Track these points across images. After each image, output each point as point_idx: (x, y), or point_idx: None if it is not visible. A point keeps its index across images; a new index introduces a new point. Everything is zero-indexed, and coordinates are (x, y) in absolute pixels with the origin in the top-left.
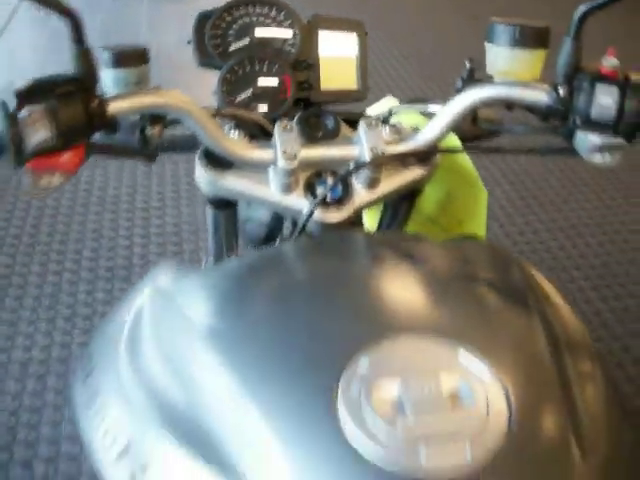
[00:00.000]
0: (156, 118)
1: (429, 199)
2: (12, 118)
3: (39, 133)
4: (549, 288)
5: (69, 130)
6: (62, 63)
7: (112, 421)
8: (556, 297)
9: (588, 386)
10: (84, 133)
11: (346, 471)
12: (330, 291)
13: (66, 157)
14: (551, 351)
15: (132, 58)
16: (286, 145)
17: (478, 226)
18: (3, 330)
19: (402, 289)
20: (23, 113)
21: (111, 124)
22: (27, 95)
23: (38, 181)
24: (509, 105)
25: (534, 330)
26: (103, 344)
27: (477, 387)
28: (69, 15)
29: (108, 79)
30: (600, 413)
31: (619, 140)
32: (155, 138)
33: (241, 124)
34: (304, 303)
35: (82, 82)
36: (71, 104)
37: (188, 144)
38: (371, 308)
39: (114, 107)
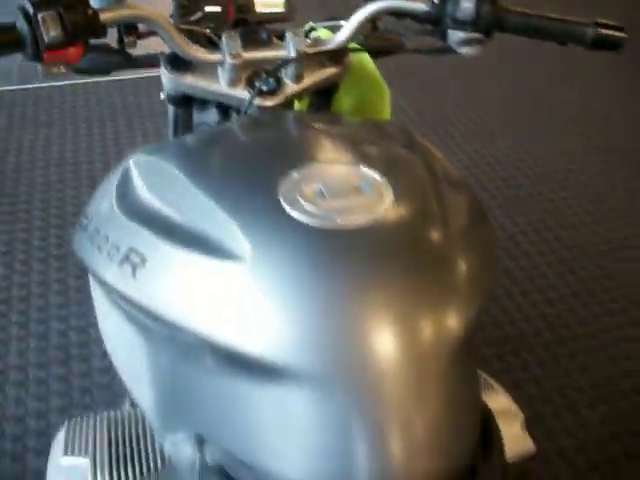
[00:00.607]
0: (132, 29)
1: (344, 105)
2: (31, 21)
3: (51, 33)
4: (437, 153)
5: (72, 32)
6: None
7: (113, 239)
8: (442, 160)
9: (459, 203)
10: (83, 35)
11: (287, 230)
12: (269, 140)
13: (70, 52)
14: (430, 178)
15: None
16: (231, 48)
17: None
18: None
19: (322, 137)
20: (39, 17)
21: (101, 29)
22: (41, 3)
23: (50, 70)
24: (398, 15)
25: (418, 163)
26: (97, 204)
27: (373, 184)
28: None
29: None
30: (464, 218)
31: (479, 35)
32: (131, 44)
33: (194, 37)
34: (252, 145)
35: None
36: (73, 12)
37: (152, 60)
38: (301, 147)
39: (104, 16)
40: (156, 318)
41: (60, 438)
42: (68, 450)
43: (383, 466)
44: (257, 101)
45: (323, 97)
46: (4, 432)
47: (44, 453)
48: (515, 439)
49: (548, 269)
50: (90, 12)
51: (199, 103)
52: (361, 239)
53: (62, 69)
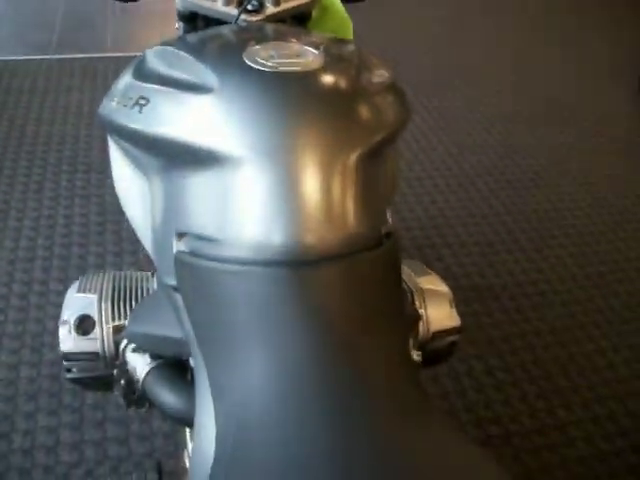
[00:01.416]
0: None
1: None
2: None
3: None
4: (377, 63)
5: None
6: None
7: (127, 94)
8: (379, 69)
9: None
10: None
11: (244, 71)
12: (244, 30)
13: None
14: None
15: None
16: None
17: None
18: None
19: (284, 30)
20: None
21: None
22: None
23: None
24: None
25: (353, 53)
26: (119, 80)
27: (311, 54)
28: None
29: None
30: (377, 82)
31: None
32: None
33: None
34: (233, 34)
35: None
36: None
37: None
38: (267, 34)
39: None
40: (151, 142)
41: (75, 284)
42: (80, 289)
43: (298, 230)
44: (243, 17)
45: (298, 24)
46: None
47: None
48: (444, 314)
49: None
50: None
51: (201, 20)
52: (295, 79)
53: None
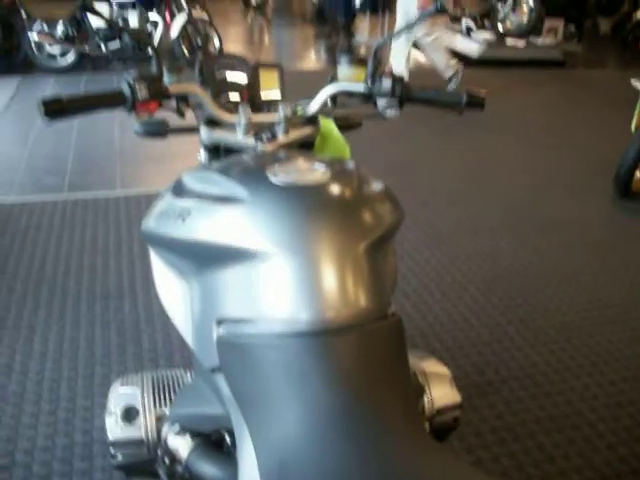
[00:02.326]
0: (185, 99)
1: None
2: (132, 87)
3: (142, 93)
4: (372, 177)
5: (153, 94)
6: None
7: (171, 209)
8: (374, 181)
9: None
10: (158, 96)
11: (268, 186)
12: (264, 155)
13: (150, 106)
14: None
15: (175, 68)
16: (246, 114)
17: None
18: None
19: (296, 154)
20: (137, 85)
21: (168, 95)
22: (138, 78)
23: (138, 116)
24: (348, 93)
25: (351, 168)
26: (158, 200)
27: (319, 169)
28: (153, 48)
29: (166, 77)
30: (373, 191)
31: (395, 102)
32: (183, 111)
33: (223, 107)
34: (254, 158)
35: (159, 76)
36: (154, 84)
37: (192, 129)
38: (282, 157)
39: (171, 88)
40: (193, 247)
41: (117, 381)
42: (123, 384)
43: (320, 307)
44: (259, 146)
45: (304, 149)
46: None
47: None
48: (446, 392)
49: None
50: (163, 85)
51: (223, 150)
52: (308, 190)
53: (146, 116)
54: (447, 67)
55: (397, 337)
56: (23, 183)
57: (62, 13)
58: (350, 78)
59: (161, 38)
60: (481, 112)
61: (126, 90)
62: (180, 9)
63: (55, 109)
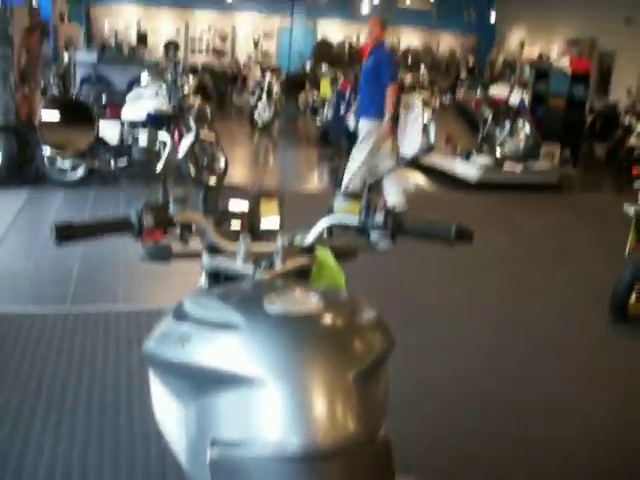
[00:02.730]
0: (189, 227)
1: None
2: (139, 216)
3: (148, 221)
4: (364, 305)
5: (158, 222)
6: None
7: (170, 332)
8: (366, 310)
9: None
10: (163, 225)
11: (264, 315)
12: (262, 281)
13: (156, 233)
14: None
15: (181, 198)
16: (246, 243)
17: None
18: None
19: (292, 283)
20: (144, 214)
21: (173, 224)
22: (145, 207)
23: (145, 245)
24: (342, 226)
25: (343, 297)
26: (160, 323)
27: (313, 298)
28: (161, 177)
29: (172, 206)
30: (363, 318)
31: (388, 235)
32: (187, 238)
33: (224, 236)
34: (253, 285)
35: (165, 206)
36: (160, 213)
37: (195, 254)
38: (281, 285)
39: (176, 217)
40: (191, 371)
41: None
42: None
43: (310, 432)
44: (258, 274)
45: (301, 278)
46: None
47: None
48: None
49: None
50: (169, 214)
51: (223, 276)
52: (301, 320)
53: (152, 243)
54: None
55: (385, 461)
56: (26, 294)
57: (78, 146)
58: (345, 211)
59: (168, 157)
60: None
61: (134, 218)
62: (189, 130)
63: (66, 234)
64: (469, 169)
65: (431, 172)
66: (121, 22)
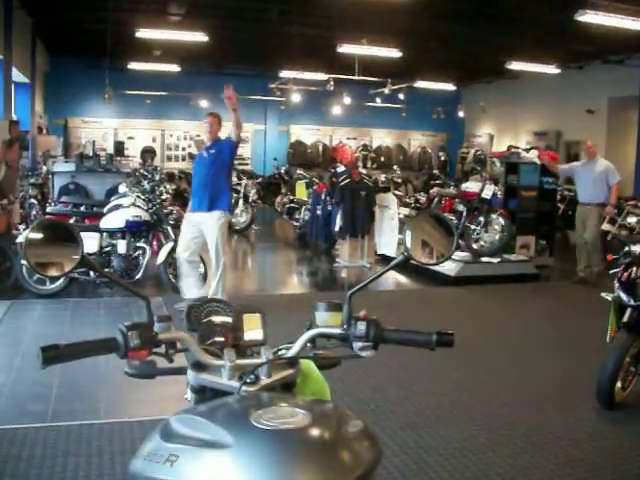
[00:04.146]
0: (173, 344)
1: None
2: (125, 335)
3: (134, 341)
4: (351, 416)
5: (144, 341)
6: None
7: (159, 452)
8: (353, 421)
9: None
10: (149, 344)
11: (252, 431)
12: (249, 399)
13: (142, 352)
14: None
15: (164, 317)
16: (229, 358)
17: None
18: None
19: (277, 398)
20: (129, 333)
21: (159, 342)
22: (131, 327)
23: (130, 362)
24: (326, 336)
25: (331, 410)
26: (147, 442)
27: (300, 413)
28: (144, 298)
29: (156, 326)
30: (351, 430)
31: (369, 344)
32: (171, 355)
33: (208, 352)
34: (240, 406)
35: (149, 325)
36: (145, 333)
37: (180, 370)
38: (267, 401)
39: (161, 336)
40: None
41: None
42: None
43: None
44: (244, 388)
45: (286, 390)
46: None
47: None
48: None
49: None
50: (154, 333)
51: (209, 391)
52: (290, 435)
53: (138, 361)
54: None
55: None
56: (6, 410)
57: (64, 268)
58: (327, 322)
59: (147, 264)
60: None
61: (120, 339)
62: (167, 238)
63: (52, 355)
64: (448, 264)
65: (410, 267)
66: (97, 133)
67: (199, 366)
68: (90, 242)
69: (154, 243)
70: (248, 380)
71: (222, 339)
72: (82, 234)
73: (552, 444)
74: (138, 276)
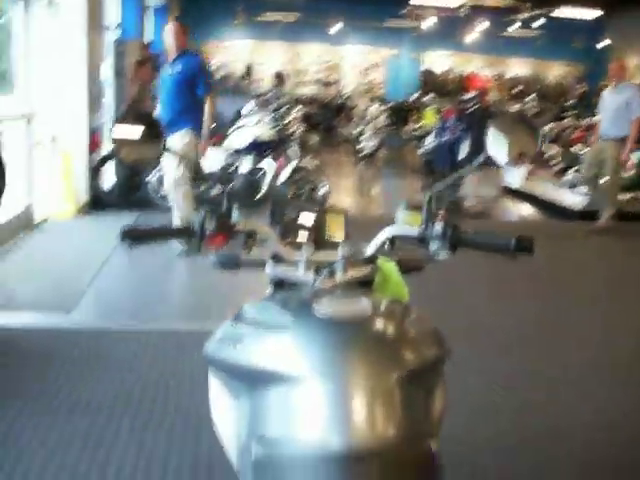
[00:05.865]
0: (253, 236)
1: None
2: (202, 221)
3: (209, 226)
4: (421, 315)
5: (220, 228)
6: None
7: (226, 336)
8: (422, 319)
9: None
10: (225, 231)
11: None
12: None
13: (217, 240)
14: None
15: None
16: (307, 253)
17: None
18: None
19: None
20: (206, 218)
21: (235, 231)
22: (208, 213)
23: (207, 251)
24: (403, 237)
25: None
26: (220, 328)
27: (363, 302)
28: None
29: (235, 215)
30: (414, 325)
31: (447, 246)
32: (250, 246)
33: (288, 245)
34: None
35: (227, 213)
36: (222, 219)
37: (260, 264)
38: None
39: (237, 226)
40: (242, 371)
41: None
42: None
43: (347, 430)
44: (318, 283)
45: (363, 287)
46: None
47: None
48: None
49: None
50: (231, 221)
51: (287, 284)
52: (347, 323)
53: (214, 250)
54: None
55: (426, 470)
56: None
57: (147, 157)
58: (407, 222)
59: (270, 183)
60: (530, 256)
61: (196, 224)
62: (294, 157)
63: (132, 236)
64: (574, 198)
65: (529, 199)
66: (231, 55)
67: (278, 259)
68: (215, 160)
69: (278, 163)
70: (323, 274)
71: (304, 235)
72: (208, 151)
73: None
74: (260, 195)
